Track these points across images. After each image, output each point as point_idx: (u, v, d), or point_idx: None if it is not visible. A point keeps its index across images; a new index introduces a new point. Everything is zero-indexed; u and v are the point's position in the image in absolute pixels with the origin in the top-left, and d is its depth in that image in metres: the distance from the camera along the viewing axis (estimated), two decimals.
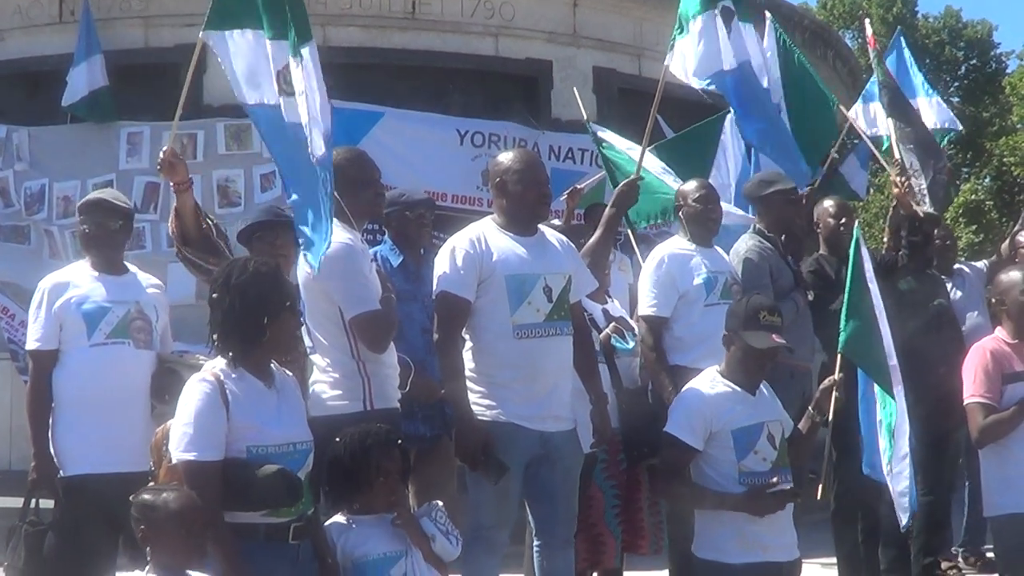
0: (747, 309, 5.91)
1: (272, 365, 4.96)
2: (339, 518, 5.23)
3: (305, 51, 5.98)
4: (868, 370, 6.59)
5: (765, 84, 8.88)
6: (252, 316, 4.77)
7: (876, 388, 6.55)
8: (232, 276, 4.85)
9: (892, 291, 8.10)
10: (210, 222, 6.88)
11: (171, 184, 6.69)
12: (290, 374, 5.14)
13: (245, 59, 6.29)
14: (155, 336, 6.39)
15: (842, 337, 6.51)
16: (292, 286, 5.00)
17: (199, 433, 4.61)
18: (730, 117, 9.71)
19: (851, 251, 6.71)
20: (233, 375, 4.76)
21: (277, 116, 6.12)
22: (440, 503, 5.46)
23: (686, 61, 8.09)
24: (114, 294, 6.30)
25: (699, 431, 5.73)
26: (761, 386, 5.98)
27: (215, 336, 4.85)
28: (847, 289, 6.61)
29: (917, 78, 11.32)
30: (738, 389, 5.85)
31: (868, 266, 6.70)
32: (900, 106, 9.51)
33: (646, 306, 7.23)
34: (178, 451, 4.64)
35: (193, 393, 4.68)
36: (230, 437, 4.65)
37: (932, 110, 11.07)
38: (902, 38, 11.90)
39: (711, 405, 5.78)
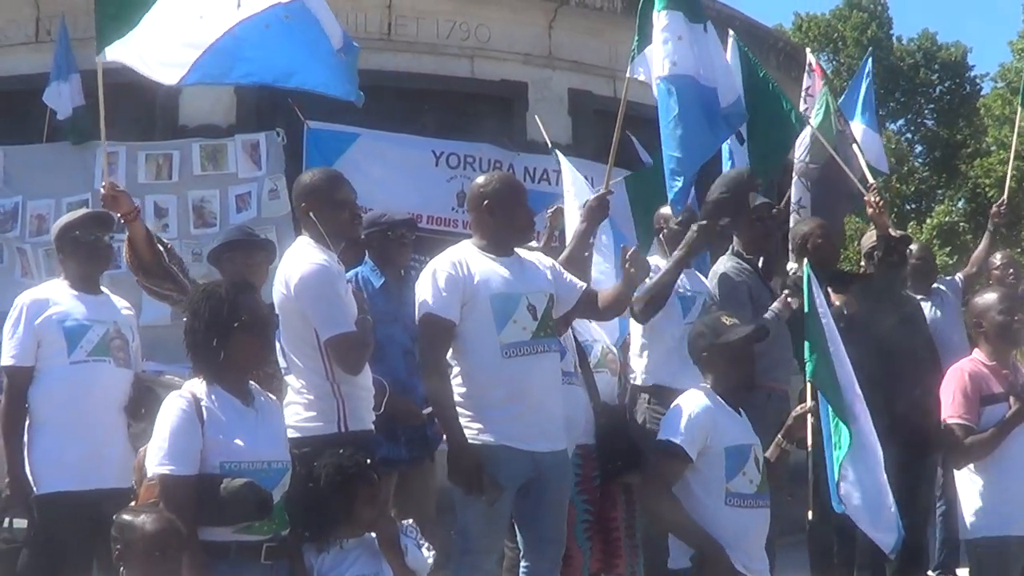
0: (708, 322, 6.07)
1: (252, 385, 5.03)
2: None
3: None
4: (830, 401, 6.56)
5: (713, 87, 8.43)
6: (203, 336, 4.88)
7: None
8: (192, 299, 5.03)
9: (866, 313, 8.11)
10: (162, 246, 6.85)
11: (119, 216, 6.66)
12: (274, 397, 5.19)
13: (166, 28, 6.56)
14: (132, 355, 6.37)
15: (809, 367, 6.52)
16: (253, 306, 4.97)
17: (174, 448, 4.69)
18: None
19: (804, 284, 6.72)
20: (209, 393, 4.85)
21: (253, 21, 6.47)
22: (411, 520, 5.45)
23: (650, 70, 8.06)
24: (94, 312, 6.28)
25: (697, 440, 5.75)
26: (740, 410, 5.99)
27: (190, 357, 4.97)
28: (806, 321, 6.62)
29: (870, 106, 11.38)
30: (728, 408, 5.87)
31: (820, 299, 6.73)
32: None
33: None
34: (154, 465, 4.72)
35: (170, 410, 4.78)
36: (204, 453, 4.72)
37: (868, 143, 11.06)
38: (870, 60, 11.98)
39: (709, 416, 5.81)
